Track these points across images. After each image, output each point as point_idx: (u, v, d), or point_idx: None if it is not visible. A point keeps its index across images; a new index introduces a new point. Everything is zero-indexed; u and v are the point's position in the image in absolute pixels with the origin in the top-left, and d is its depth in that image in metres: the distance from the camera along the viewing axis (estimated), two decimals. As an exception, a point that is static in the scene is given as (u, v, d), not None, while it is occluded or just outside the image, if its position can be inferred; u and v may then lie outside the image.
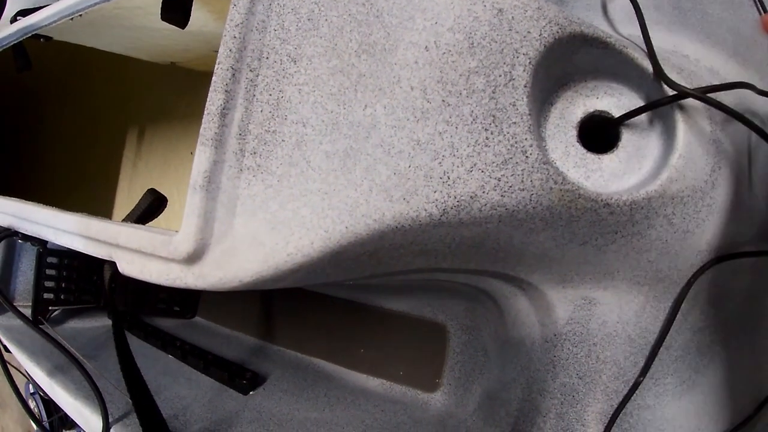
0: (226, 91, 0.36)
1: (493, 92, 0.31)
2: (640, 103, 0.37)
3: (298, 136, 0.34)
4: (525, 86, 0.31)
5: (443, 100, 0.31)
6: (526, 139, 0.31)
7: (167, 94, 0.53)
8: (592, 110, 0.37)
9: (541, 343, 0.42)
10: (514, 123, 0.31)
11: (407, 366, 0.49)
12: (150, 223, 0.45)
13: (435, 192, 0.31)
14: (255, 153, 0.35)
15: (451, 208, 0.31)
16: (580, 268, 0.37)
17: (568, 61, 0.35)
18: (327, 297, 0.51)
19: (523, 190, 0.31)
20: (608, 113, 0.37)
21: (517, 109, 0.31)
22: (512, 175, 0.30)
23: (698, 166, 0.36)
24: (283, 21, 0.36)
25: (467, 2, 0.33)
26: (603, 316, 0.39)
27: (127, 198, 0.53)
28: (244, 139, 0.36)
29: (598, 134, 0.37)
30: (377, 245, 0.33)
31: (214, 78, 0.36)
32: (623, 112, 0.37)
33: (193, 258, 0.37)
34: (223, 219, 0.36)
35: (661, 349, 0.40)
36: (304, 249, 0.33)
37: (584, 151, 0.36)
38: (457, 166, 0.30)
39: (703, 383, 0.43)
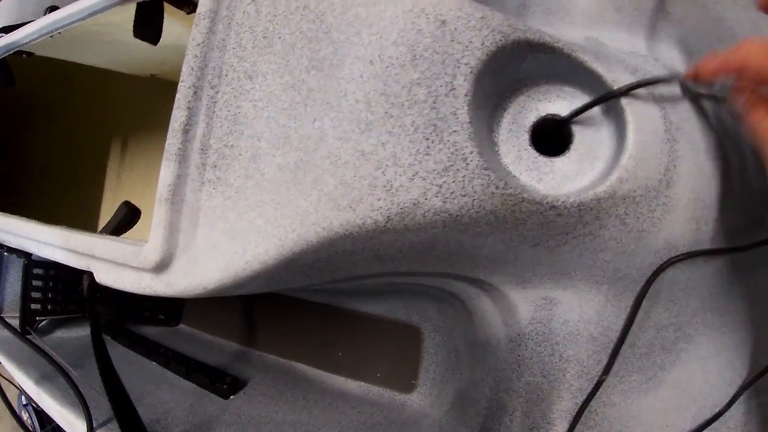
0: (188, 108, 0.38)
1: (435, 102, 0.32)
2: (592, 105, 0.38)
3: (253, 149, 0.36)
4: (466, 95, 0.32)
5: (386, 112, 0.32)
6: (466, 146, 0.32)
7: (148, 105, 0.55)
8: (544, 114, 0.38)
9: (506, 342, 0.43)
10: (455, 131, 0.32)
11: (384, 368, 0.51)
12: (128, 233, 0.48)
13: (379, 200, 0.32)
14: (215, 166, 0.37)
15: (395, 215, 0.32)
16: (537, 269, 0.38)
17: (516, 67, 0.36)
18: (306, 302, 0.53)
19: (465, 195, 0.32)
20: (560, 116, 0.38)
21: (458, 118, 0.32)
22: (453, 181, 0.32)
23: (651, 166, 0.36)
24: (240, 39, 0.38)
25: (411, 15, 0.34)
26: (564, 315, 0.41)
27: (112, 208, 0.55)
28: (206, 153, 0.38)
29: (552, 137, 0.38)
30: (329, 252, 0.35)
31: (177, 95, 0.38)
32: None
33: (161, 267, 0.39)
34: (187, 230, 0.38)
35: (625, 346, 0.41)
36: (260, 257, 0.35)
37: (536, 154, 0.37)
38: (400, 175, 0.32)
39: (669, 380, 0.44)
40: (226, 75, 0.38)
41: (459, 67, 0.33)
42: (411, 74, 0.33)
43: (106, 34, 0.51)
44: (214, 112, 0.38)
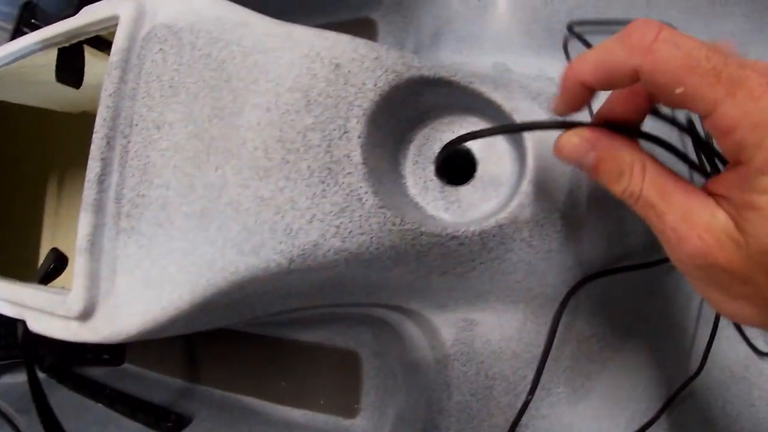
0: (102, 159, 0.39)
1: (329, 146, 0.33)
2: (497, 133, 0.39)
3: (162, 198, 0.37)
4: (359, 137, 0.33)
5: (283, 158, 0.33)
6: (361, 187, 0.33)
7: (82, 141, 0.56)
8: (455, 146, 0.39)
9: (435, 364, 0.44)
10: (349, 173, 0.33)
11: (327, 395, 0.52)
12: (63, 275, 0.48)
13: (280, 243, 0.33)
14: (129, 216, 0.38)
15: (297, 256, 0.33)
16: (452, 294, 0.40)
17: (416, 102, 0.37)
18: (247, 334, 0.54)
19: (363, 234, 0.33)
20: (463, 146, 0.39)
21: (352, 160, 0.33)
22: (350, 221, 0.33)
23: (553, 188, 0.38)
24: (149, 88, 0.39)
25: (307, 60, 0.35)
26: (486, 335, 0.42)
27: (52, 245, 0.56)
28: (120, 203, 0.39)
29: (459, 166, 0.39)
30: (241, 294, 0.35)
31: (92, 146, 0.39)
32: (478, 144, 0.39)
33: (86, 315, 0.39)
34: (107, 278, 0.39)
35: (549, 361, 0.43)
36: (174, 302, 0.36)
37: (442, 184, 0.38)
38: (298, 218, 0.33)
39: (598, 389, 0.45)
40: (136, 124, 0.39)
41: (352, 110, 0.34)
42: (306, 120, 0.34)
43: (35, 74, 0.52)
44: (126, 161, 0.38)
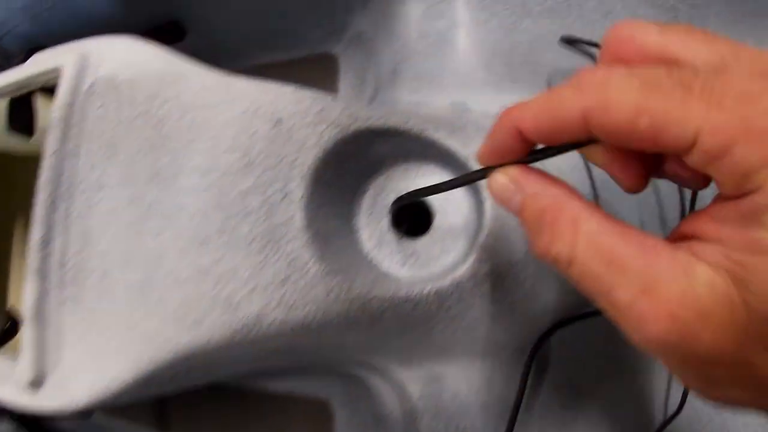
0: (46, 222, 0.36)
1: (269, 210, 0.31)
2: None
3: (103, 267, 0.34)
4: (301, 199, 0.31)
5: (222, 224, 0.31)
6: (304, 254, 0.30)
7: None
8: (403, 194, 0.37)
9: (404, 417, 0.42)
10: (291, 239, 0.31)
11: (299, 444, 0.50)
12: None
13: (222, 316, 0.31)
14: (73, 283, 0.36)
15: (240, 330, 0.31)
16: (413, 352, 0.37)
17: (366, 153, 0.35)
18: (217, 386, 0.51)
19: (307, 304, 0.31)
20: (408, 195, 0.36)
21: (294, 225, 0.31)
22: (293, 292, 0.30)
23: (513, 239, 0.35)
24: (91, 146, 0.37)
25: (246, 117, 0.33)
26: (453, 388, 0.39)
27: (20, 289, 0.54)
28: (64, 269, 0.36)
29: (415, 216, 0.37)
30: (188, 365, 0.33)
31: (34, 209, 0.37)
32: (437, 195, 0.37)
33: (36, 385, 0.37)
34: (54, 348, 0.37)
35: (521, 411, 0.40)
36: (119, 377, 0.34)
37: (398, 237, 0.36)
38: (239, 290, 0.30)
39: (575, 436, 0.43)
40: (79, 185, 0.36)
41: (293, 170, 0.31)
42: (245, 182, 0.31)
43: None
44: (69, 224, 0.36)
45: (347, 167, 0.34)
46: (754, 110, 0.13)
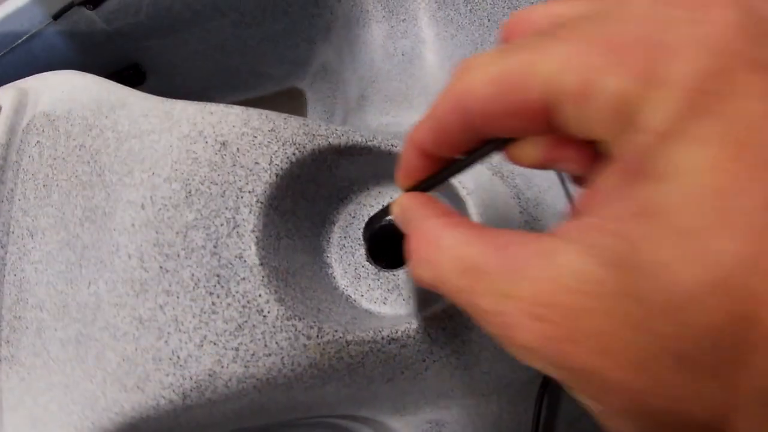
0: (-21, 274, 0.32)
1: (215, 246, 0.26)
2: (432, 199, 0.32)
3: (37, 321, 0.29)
4: (252, 231, 0.26)
5: (161, 267, 0.26)
6: (260, 295, 0.25)
7: None
8: (381, 221, 0.31)
9: (402, 472, 0.36)
10: (243, 279, 0.25)
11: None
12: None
13: (168, 375, 0.25)
14: (8, 342, 0.31)
15: (191, 390, 0.25)
16: (406, 398, 0.31)
17: (330, 176, 0.30)
18: None
19: (270, 355, 0.25)
20: (387, 220, 0.31)
21: (245, 262, 0.25)
22: (251, 341, 0.25)
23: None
24: (25, 189, 0.32)
25: (187, 142, 0.28)
26: (456, 436, 0.33)
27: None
28: (0, 325, 0.31)
29: (394, 244, 0.31)
30: (138, 434, 0.28)
31: (-31, 261, 0.32)
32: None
33: (-23, 460, 0.32)
34: (-5, 416, 0.31)
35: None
36: (62, 449, 0.28)
37: (376, 269, 0.31)
38: (186, 342, 0.25)
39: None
40: (12, 232, 0.31)
41: (242, 197, 0.26)
42: (186, 215, 0.26)
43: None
44: (3, 276, 0.31)
45: (308, 194, 0.29)
46: (620, 27, 0.10)
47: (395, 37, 0.39)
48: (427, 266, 0.14)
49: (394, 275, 0.30)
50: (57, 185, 0.30)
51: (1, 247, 0.32)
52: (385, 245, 0.31)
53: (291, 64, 0.45)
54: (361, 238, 0.31)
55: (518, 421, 0.34)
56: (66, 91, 0.33)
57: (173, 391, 0.25)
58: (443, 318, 0.28)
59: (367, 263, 0.30)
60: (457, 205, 0.30)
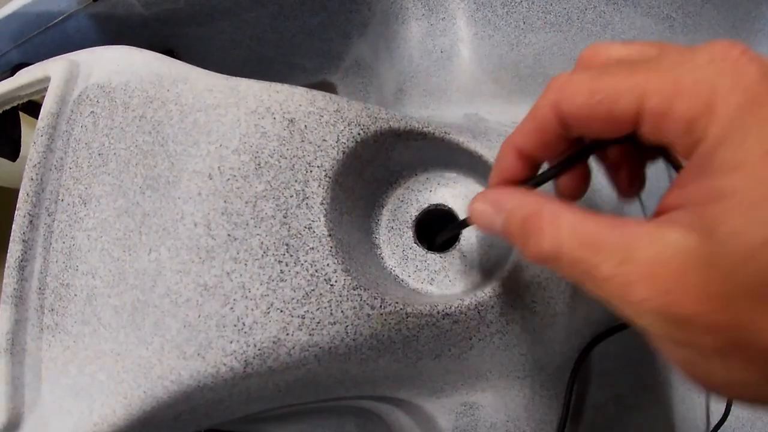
0: (24, 240, 0.29)
1: (285, 217, 0.24)
2: (477, 188, 0.31)
3: (88, 289, 0.27)
4: (322, 204, 0.24)
5: (229, 234, 0.24)
6: (328, 265, 0.24)
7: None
8: (426, 205, 0.30)
9: (430, 453, 0.34)
10: (312, 249, 0.24)
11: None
12: None
13: (231, 342, 0.23)
14: (53, 310, 0.28)
15: (254, 357, 0.23)
16: (447, 378, 0.30)
17: (386, 159, 0.29)
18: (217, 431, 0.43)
19: (335, 323, 0.24)
20: (444, 206, 0.30)
21: (314, 232, 0.24)
22: (318, 309, 0.23)
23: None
24: (77, 157, 0.29)
25: (255, 117, 0.26)
26: (490, 419, 0.32)
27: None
28: (44, 294, 0.28)
29: (440, 229, 0.30)
30: (190, 404, 0.25)
31: (13, 226, 0.29)
32: (460, 202, 0.31)
33: (11, 428, 0.29)
34: (31, 385, 0.28)
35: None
36: (107, 418, 0.25)
37: (424, 251, 0.29)
38: (252, 309, 0.23)
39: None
40: (62, 200, 0.29)
41: (311, 171, 0.25)
42: (256, 186, 0.25)
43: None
44: (50, 243, 0.29)
45: (366, 175, 0.28)
46: (689, 68, 0.14)
47: (434, 34, 0.38)
48: (548, 241, 0.16)
49: (440, 257, 0.29)
50: (114, 154, 0.28)
51: (49, 215, 0.29)
52: (433, 229, 0.30)
53: (324, 57, 0.44)
54: (410, 221, 0.29)
55: (549, 405, 0.33)
56: (122, 64, 0.31)
57: (235, 358, 0.23)
58: (492, 297, 0.27)
59: (415, 245, 0.29)
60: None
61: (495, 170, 0.20)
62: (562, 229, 0.15)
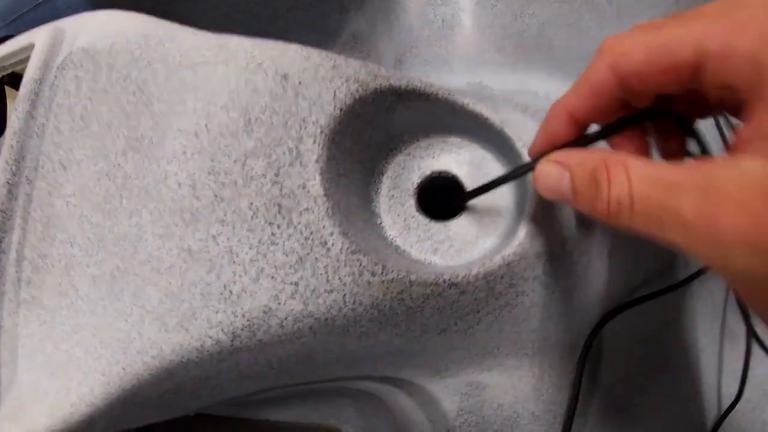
0: (2, 211, 0.25)
1: (276, 175, 0.21)
2: (482, 154, 0.28)
3: (66, 258, 0.23)
4: (317, 161, 0.21)
5: (215, 195, 0.21)
6: (324, 227, 0.20)
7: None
8: (429, 172, 0.27)
9: (436, 436, 0.31)
10: (307, 209, 0.21)
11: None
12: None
13: (217, 313, 0.20)
14: (30, 283, 0.24)
15: (242, 329, 0.20)
16: (452, 355, 0.27)
17: (386, 121, 0.26)
18: (210, 415, 0.39)
19: (332, 291, 0.20)
20: (447, 173, 0.27)
21: (309, 192, 0.21)
22: (312, 275, 0.20)
23: (564, 212, 0.26)
24: (58, 123, 0.26)
25: (246, 73, 0.23)
26: (497, 400, 0.29)
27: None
28: (21, 266, 0.25)
29: (443, 197, 0.27)
30: (175, 382, 0.22)
31: (-9, 199, 0.26)
32: (464, 168, 0.27)
33: (-15, 414, 0.25)
34: (8, 363, 0.25)
35: (576, 419, 0.30)
36: (85, 397, 0.22)
37: (427, 220, 0.26)
38: (240, 276, 0.20)
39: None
40: (42, 167, 0.26)
41: (306, 128, 0.22)
42: (245, 143, 0.21)
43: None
44: (29, 213, 0.25)
45: (364, 137, 0.25)
46: (739, 12, 0.13)
47: (435, 4, 0.35)
48: (620, 187, 0.14)
49: (444, 226, 0.26)
50: (97, 117, 0.25)
51: (28, 183, 0.26)
52: (436, 197, 0.27)
53: (320, 33, 0.40)
54: (411, 189, 0.26)
55: (558, 385, 0.29)
56: (108, 26, 0.27)
57: (222, 330, 0.20)
58: (502, 266, 0.24)
59: (417, 214, 0.26)
60: (514, 156, 0.26)
61: (542, 134, 0.19)
62: (633, 175, 0.14)
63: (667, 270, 0.34)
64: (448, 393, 0.28)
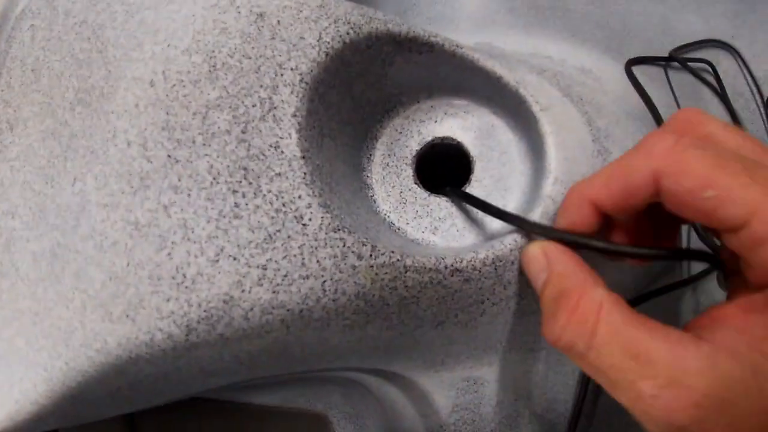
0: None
1: (244, 132, 0.16)
2: (492, 120, 0.22)
3: (7, 232, 0.18)
4: (294, 115, 0.16)
5: (169, 156, 0.16)
6: (299, 197, 0.15)
7: None
8: (430, 138, 0.21)
9: (429, 434, 0.25)
10: (279, 174, 0.15)
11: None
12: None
13: (168, 301, 0.15)
14: (-28, 262, 0.20)
15: (199, 322, 0.15)
16: (449, 350, 0.21)
17: (382, 76, 0.20)
18: (196, 400, 0.34)
19: (308, 277, 0.15)
20: (452, 139, 0.21)
21: (282, 153, 0.15)
22: (285, 257, 0.15)
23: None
24: (10, 78, 0.21)
25: (215, 11, 0.18)
26: (496, 397, 0.23)
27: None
28: (-35, 242, 0.20)
29: (445, 167, 0.22)
30: (127, 379, 0.17)
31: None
32: (471, 135, 0.22)
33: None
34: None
35: (581, 420, 0.25)
36: (29, 394, 0.17)
37: (426, 194, 0.21)
38: (196, 256, 0.15)
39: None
40: (-10, 130, 0.21)
41: (282, 75, 0.16)
42: (207, 93, 0.16)
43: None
44: (-24, 182, 0.20)
45: (356, 91, 0.19)
46: None
47: (441, -41, 0.29)
48: (581, 329, 0.13)
49: (447, 201, 0.21)
50: (48, 68, 0.19)
51: (-24, 149, 0.21)
52: (438, 167, 0.21)
53: None
54: (410, 157, 0.21)
55: (563, 383, 0.24)
56: (71, -27, 0.22)
57: (174, 321, 0.15)
58: (513, 251, 0.18)
59: (416, 186, 0.21)
60: (529, 122, 0.20)
61: (563, 217, 0.17)
62: (602, 324, 0.13)
63: (679, 264, 0.29)
64: (442, 388, 0.23)
